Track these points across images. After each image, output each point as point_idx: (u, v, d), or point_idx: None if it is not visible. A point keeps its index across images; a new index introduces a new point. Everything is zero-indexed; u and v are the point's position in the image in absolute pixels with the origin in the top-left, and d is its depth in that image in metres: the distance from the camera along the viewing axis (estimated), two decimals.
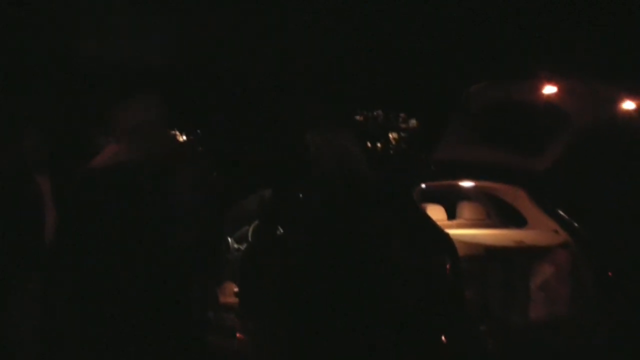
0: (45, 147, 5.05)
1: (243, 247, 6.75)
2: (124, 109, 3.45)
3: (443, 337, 4.56)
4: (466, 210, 6.17)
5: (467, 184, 6.02)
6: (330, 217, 4.02)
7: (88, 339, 3.44)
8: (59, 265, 3.70)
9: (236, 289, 5.94)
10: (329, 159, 4.08)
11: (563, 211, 5.73)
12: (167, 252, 3.40)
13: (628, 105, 5.22)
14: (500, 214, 6.36)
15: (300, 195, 4.23)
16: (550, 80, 5.00)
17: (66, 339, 4.51)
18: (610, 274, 5.38)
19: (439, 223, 5.19)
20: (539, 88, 5.10)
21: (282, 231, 4.92)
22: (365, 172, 4.16)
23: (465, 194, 6.32)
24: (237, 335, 5.48)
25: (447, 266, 4.69)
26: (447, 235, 4.84)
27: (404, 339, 4.36)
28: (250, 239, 6.48)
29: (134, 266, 3.36)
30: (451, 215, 6.19)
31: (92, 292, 3.40)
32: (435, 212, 5.83)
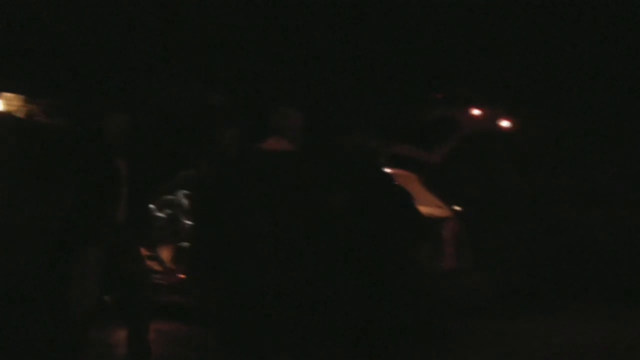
0: (122, 134, 5.72)
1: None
2: (283, 114, 4.81)
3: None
4: None
5: None
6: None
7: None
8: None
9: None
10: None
11: (446, 193, 8.02)
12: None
13: (504, 122, 7.65)
14: None
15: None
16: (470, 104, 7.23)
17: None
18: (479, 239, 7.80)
19: None
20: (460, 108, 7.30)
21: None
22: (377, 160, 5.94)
23: None
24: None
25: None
26: None
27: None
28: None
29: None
30: None
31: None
32: None
